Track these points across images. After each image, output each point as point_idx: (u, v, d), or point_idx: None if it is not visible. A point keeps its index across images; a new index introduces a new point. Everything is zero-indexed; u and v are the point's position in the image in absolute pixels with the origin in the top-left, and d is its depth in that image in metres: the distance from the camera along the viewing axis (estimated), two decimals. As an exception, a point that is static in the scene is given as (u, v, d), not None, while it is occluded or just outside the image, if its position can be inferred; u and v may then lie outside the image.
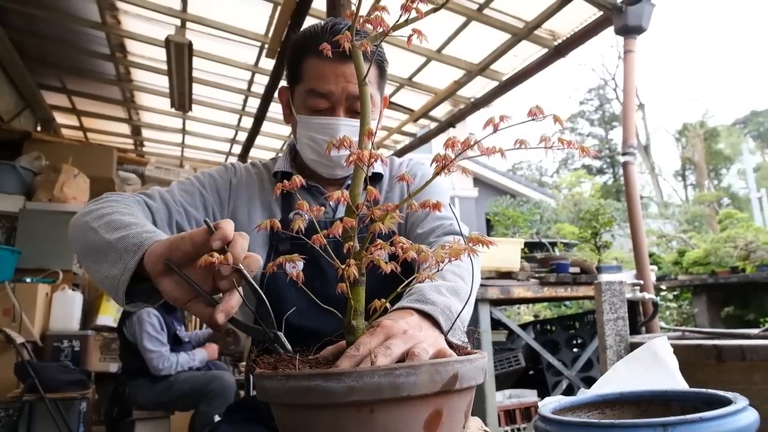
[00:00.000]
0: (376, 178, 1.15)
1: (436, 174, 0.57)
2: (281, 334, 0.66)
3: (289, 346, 0.65)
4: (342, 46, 0.60)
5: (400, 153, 5.68)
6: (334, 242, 0.57)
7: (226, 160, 7.03)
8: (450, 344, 0.66)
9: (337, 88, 1.02)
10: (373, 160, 0.57)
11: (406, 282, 0.62)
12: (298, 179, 0.59)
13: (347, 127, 1.03)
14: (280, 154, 1.21)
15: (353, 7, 0.61)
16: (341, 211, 1.10)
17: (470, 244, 0.58)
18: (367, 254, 0.58)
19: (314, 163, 1.10)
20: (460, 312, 0.74)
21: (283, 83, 1.19)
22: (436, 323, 0.70)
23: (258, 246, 1.07)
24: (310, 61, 1.04)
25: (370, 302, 0.62)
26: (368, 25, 0.60)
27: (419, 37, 0.61)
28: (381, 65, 1.09)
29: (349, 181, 1.14)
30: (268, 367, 0.60)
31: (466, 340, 0.74)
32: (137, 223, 0.82)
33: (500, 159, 0.55)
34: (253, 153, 6.17)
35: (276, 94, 1.23)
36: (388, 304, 0.62)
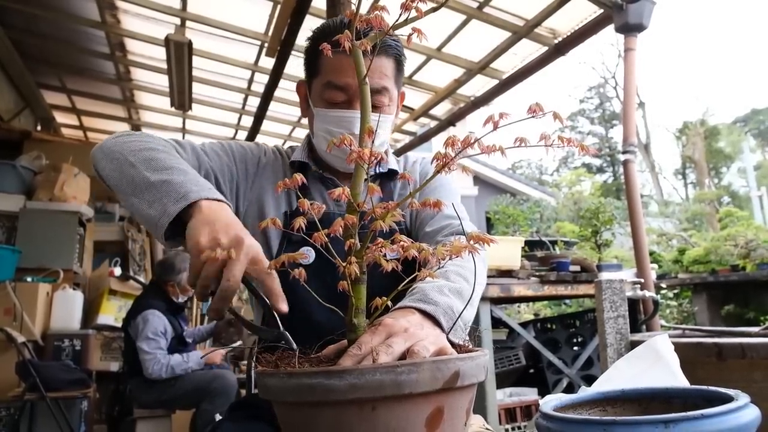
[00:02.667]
0: (390, 175, 1.16)
1: (437, 172, 0.57)
2: (287, 334, 0.66)
3: (294, 346, 0.65)
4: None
5: (401, 152, 5.67)
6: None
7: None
8: (451, 343, 0.67)
9: (354, 80, 1.02)
10: (373, 159, 0.58)
11: (408, 279, 0.62)
12: (299, 178, 0.60)
13: None
14: (298, 144, 1.22)
15: (353, 7, 0.62)
16: None
17: (470, 242, 0.59)
18: (368, 253, 0.58)
19: (329, 156, 1.11)
20: (462, 312, 0.74)
21: (298, 78, 1.20)
22: (437, 323, 0.70)
23: (272, 235, 1.09)
24: (327, 55, 1.05)
25: (372, 300, 0.62)
26: (371, 24, 0.61)
27: (419, 36, 0.61)
28: (399, 60, 1.07)
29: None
30: (270, 365, 0.60)
31: (469, 340, 0.74)
32: (179, 168, 0.86)
33: (500, 157, 0.55)
34: (254, 152, 6.16)
35: (294, 88, 1.25)
36: (389, 303, 0.62)
